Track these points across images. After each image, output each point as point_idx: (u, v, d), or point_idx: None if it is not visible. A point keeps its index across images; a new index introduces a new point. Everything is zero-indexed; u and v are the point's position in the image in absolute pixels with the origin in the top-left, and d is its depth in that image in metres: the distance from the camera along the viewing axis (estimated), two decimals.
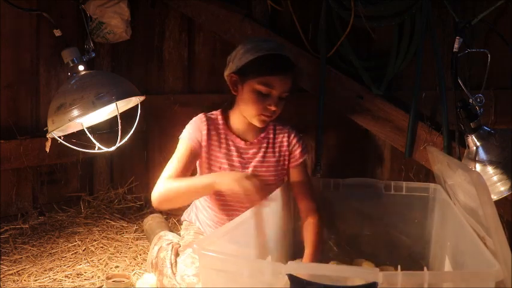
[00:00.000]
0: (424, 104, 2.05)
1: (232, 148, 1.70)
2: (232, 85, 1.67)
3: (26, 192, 2.39)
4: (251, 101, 1.60)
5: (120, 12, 2.47)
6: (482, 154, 1.69)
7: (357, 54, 2.13)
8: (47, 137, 1.94)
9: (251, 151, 1.72)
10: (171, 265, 1.63)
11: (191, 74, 2.60)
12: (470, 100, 1.73)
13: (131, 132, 2.08)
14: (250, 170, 1.70)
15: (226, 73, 1.69)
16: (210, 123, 1.69)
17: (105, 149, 1.99)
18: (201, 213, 1.82)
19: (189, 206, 1.94)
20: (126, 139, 2.05)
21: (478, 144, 1.70)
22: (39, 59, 2.41)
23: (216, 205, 1.74)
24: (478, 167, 1.68)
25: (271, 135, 1.75)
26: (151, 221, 2.18)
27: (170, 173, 1.56)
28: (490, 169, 1.65)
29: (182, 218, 1.93)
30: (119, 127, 1.95)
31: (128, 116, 2.14)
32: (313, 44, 2.22)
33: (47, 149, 1.99)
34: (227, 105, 1.76)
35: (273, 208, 1.60)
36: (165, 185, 1.52)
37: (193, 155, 1.64)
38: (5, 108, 2.27)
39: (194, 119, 1.71)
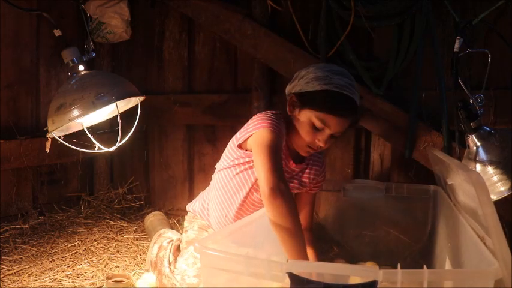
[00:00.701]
0: (424, 104, 2.05)
1: (284, 166, 1.63)
2: (290, 105, 1.60)
3: (26, 192, 2.39)
4: (303, 130, 1.55)
5: (120, 12, 2.47)
6: (482, 154, 1.69)
7: (357, 54, 2.13)
8: (47, 137, 1.94)
9: (293, 173, 1.70)
10: (169, 264, 1.62)
11: (191, 74, 2.60)
12: (471, 100, 1.73)
13: (131, 132, 2.08)
14: None
15: (288, 90, 1.62)
16: (283, 132, 1.56)
17: (105, 149, 1.99)
18: (215, 212, 1.73)
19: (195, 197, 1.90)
20: (126, 139, 2.05)
21: (478, 144, 1.70)
22: (39, 59, 2.41)
23: (238, 208, 1.67)
24: (478, 167, 1.68)
25: (310, 163, 1.73)
26: (152, 217, 2.18)
27: (280, 170, 1.40)
28: (490, 169, 1.65)
29: (187, 208, 1.87)
30: (119, 127, 1.95)
31: (128, 116, 2.14)
32: (313, 44, 2.22)
33: (47, 149, 1.99)
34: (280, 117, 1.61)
35: None
36: (289, 200, 1.34)
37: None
38: (5, 108, 2.27)
39: (273, 115, 1.55)
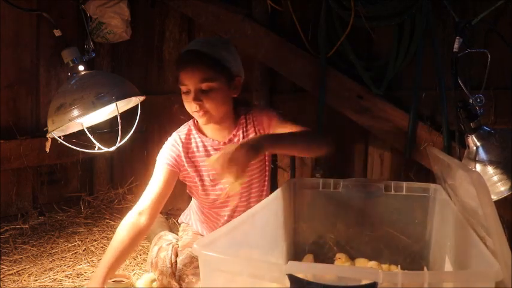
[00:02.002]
0: (424, 104, 2.05)
1: (211, 152, 1.67)
2: None
3: (26, 192, 2.39)
4: (183, 101, 1.59)
5: (120, 12, 2.47)
6: (482, 154, 1.69)
7: (357, 54, 2.13)
8: (47, 137, 1.94)
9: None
10: (171, 265, 1.63)
11: None
12: (470, 100, 1.73)
13: (131, 132, 2.08)
14: None
15: None
16: (184, 135, 1.69)
17: (105, 149, 1.99)
18: (194, 215, 1.85)
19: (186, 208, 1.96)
20: (126, 139, 2.05)
21: (478, 144, 1.70)
22: (39, 59, 2.41)
23: (203, 207, 1.77)
24: (478, 167, 1.67)
25: (244, 127, 1.69)
26: None
27: (144, 205, 1.55)
28: (490, 169, 1.65)
29: (180, 220, 1.94)
30: (119, 127, 1.95)
31: (128, 116, 2.14)
32: (313, 44, 2.22)
33: (47, 149, 1.99)
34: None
35: (273, 208, 1.60)
36: (118, 230, 1.53)
37: (171, 176, 1.61)
38: (5, 108, 2.27)
39: (168, 138, 1.72)
